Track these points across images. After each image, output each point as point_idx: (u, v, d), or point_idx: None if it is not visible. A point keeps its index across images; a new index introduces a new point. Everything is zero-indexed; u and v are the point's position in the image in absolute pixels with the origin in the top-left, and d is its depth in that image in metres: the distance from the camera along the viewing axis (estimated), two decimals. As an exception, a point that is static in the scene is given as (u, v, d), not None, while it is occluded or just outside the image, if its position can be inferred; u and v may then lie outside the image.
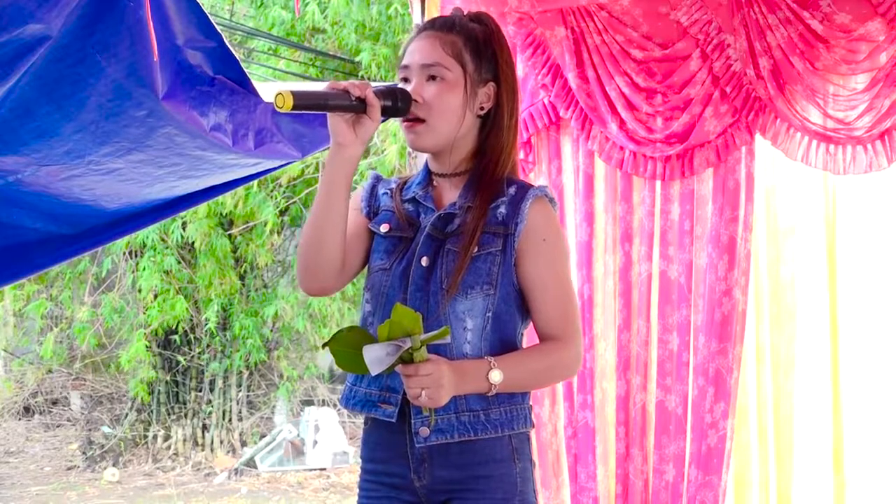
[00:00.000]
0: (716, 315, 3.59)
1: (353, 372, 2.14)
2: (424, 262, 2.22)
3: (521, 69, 3.82)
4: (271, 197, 8.60)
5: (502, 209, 2.22)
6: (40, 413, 10.53)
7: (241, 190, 8.10)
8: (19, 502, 8.28)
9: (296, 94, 2.10)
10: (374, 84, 2.25)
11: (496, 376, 2.15)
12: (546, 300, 2.22)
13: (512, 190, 2.24)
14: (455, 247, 2.21)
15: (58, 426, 10.36)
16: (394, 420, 2.20)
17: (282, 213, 8.92)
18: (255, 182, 8.04)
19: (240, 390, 9.47)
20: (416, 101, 2.23)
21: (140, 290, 8.80)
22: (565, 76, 3.76)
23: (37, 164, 2.94)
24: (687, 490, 3.62)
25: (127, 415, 9.71)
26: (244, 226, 8.80)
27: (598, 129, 3.73)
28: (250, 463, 8.97)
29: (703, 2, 3.59)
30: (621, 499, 3.74)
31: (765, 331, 3.68)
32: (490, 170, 2.25)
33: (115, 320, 9.07)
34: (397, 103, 2.22)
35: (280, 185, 8.73)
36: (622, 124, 3.69)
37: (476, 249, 2.19)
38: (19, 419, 10.55)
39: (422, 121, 2.23)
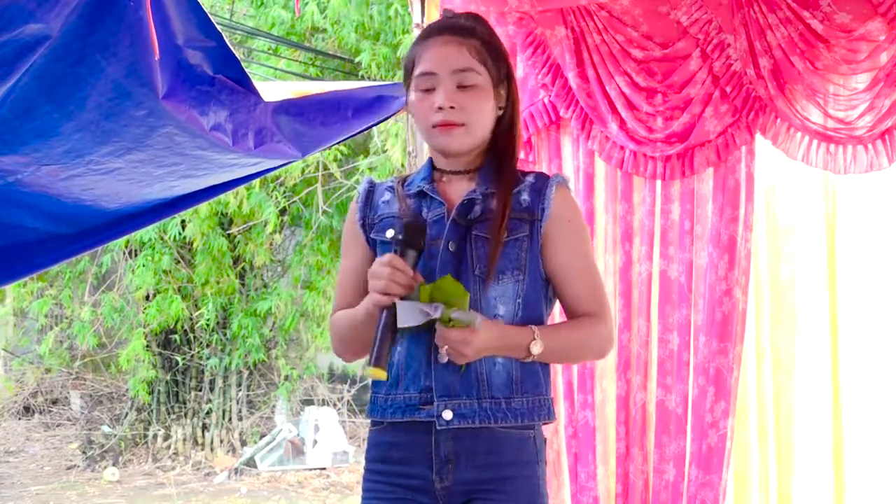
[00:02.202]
0: (716, 314, 3.58)
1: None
2: (451, 247, 2.24)
3: (521, 69, 3.83)
4: (271, 196, 8.60)
5: (525, 196, 2.27)
6: (40, 413, 10.53)
7: (242, 189, 8.10)
8: (19, 502, 8.28)
9: (376, 358, 2.14)
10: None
11: (537, 346, 2.20)
12: (576, 280, 2.28)
13: (531, 178, 2.30)
14: (483, 233, 2.23)
15: (58, 426, 10.36)
16: (434, 417, 2.20)
17: (282, 212, 8.92)
18: (257, 181, 8.05)
19: (240, 390, 9.48)
20: (452, 107, 2.24)
21: (137, 289, 8.80)
22: (565, 76, 3.75)
23: (37, 163, 2.94)
24: (687, 489, 3.62)
25: (127, 414, 9.71)
26: (244, 225, 8.80)
27: (599, 129, 3.73)
28: (250, 462, 8.97)
29: (703, 1, 3.59)
30: (621, 498, 3.74)
31: (765, 330, 3.68)
32: (506, 161, 2.31)
33: (115, 319, 9.07)
34: (420, 243, 2.21)
35: (280, 185, 8.73)
36: (622, 124, 3.69)
37: (505, 235, 2.23)
38: (19, 419, 10.56)
39: (460, 125, 2.25)
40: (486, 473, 2.20)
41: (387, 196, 2.36)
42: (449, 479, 2.20)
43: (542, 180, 2.30)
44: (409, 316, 2.12)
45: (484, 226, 2.23)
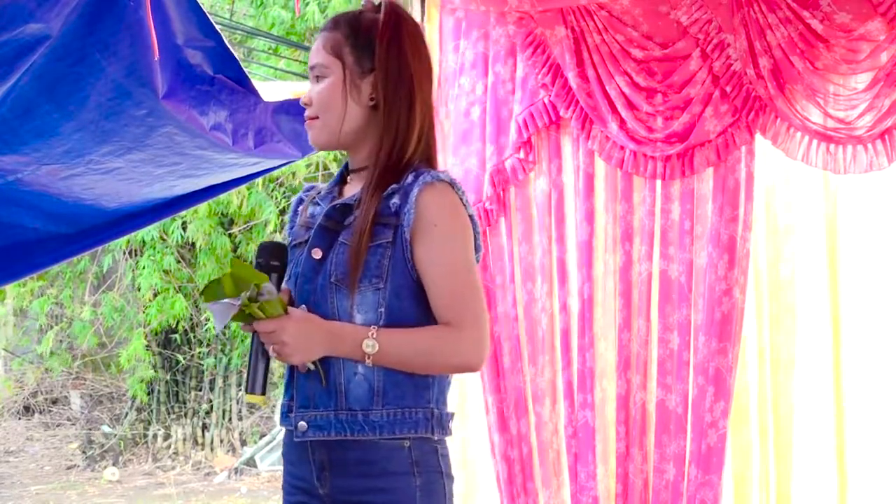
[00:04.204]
0: (716, 314, 3.58)
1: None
2: (316, 254, 2.18)
3: (521, 69, 3.82)
4: (272, 196, 8.61)
5: (395, 199, 2.15)
6: (40, 412, 10.53)
7: (243, 189, 8.11)
8: (19, 501, 8.29)
9: (251, 385, 2.15)
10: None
11: (370, 346, 2.09)
12: (438, 286, 2.13)
13: (409, 178, 2.16)
14: (346, 239, 2.16)
15: (58, 425, 10.36)
16: (293, 428, 2.19)
17: (282, 212, 8.93)
18: (257, 181, 8.05)
19: (240, 389, 9.48)
20: (305, 103, 2.24)
21: (139, 289, 8.82)
22: (565, 75, 3.75)
23: (37, 163, 2.94)
24: (687, 489, 3.62)
25: (127, 414, 9.71)
26: (245, 225, 8.81)
27: (599, 129, 3.73)
28: (250, 462, 8.98)
29: (703, 1, 3.58)
30: (621, 498, 3.74)
31: (765, 330, 3.68)
32: (385, 161, 2.19)
33: (116, 319, 9.08)
34: (273, 263, 2.19)
35: (281, 185, 8.74)
36: (622, 124, 3.68)
37: (368, 242, 2.14)
38: (19, 418, 10.56)
39: (315, 118, 2.24)
40: (358, 483, 2.15)
41: (305, 202, 2.34)
42: (327, 485, 2.17)
43: (415, 179, 2.15)
44: (220, 316, 2.07)
45: (348, 232, 2.16)
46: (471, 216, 2.20)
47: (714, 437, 3.57)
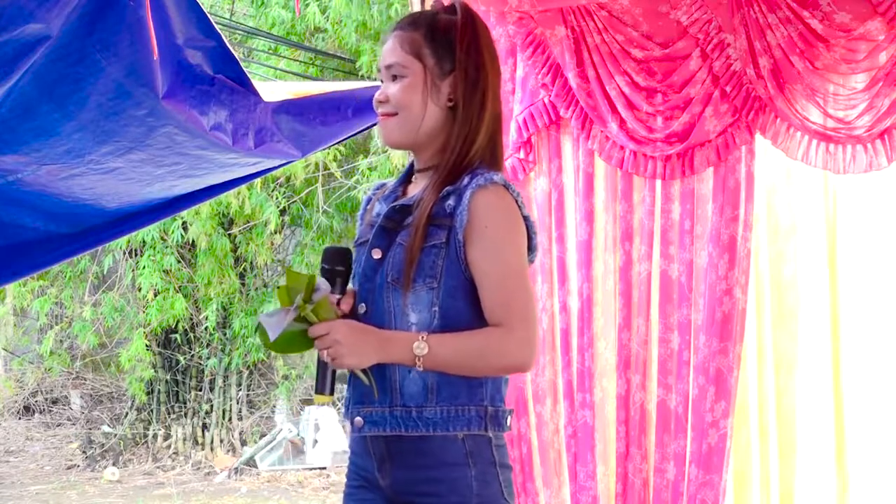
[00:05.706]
0: (716, 314, 3.58)
1: (270, 348, 2.19)
2: (376, 254, 2.22)
3: (521, 69, 3.83)
4: (272, 196, 8.61)
5: (450, 201, 2.19)
6: (40, 412, 10.53)
7: (243, 189, 8.11)
8: (19, 501, 8.29)
9: (319, 387, 2.23)
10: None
11: (420, 348, 2.13)
12: (488, 287, 2.16)
13: (465, 180, 2.20)
14: (402, 240, 2.20)
15: (58, 425, 10.37)
16: (351, 423, 2.26)
17: (282, 212, 8.93)
18: (258, 181, 8.05)
19: (240, 389, 9.48)
20: (381, 101, 2.26)
21: (140, 289, 8.82)
22: (565, 75, 3.75)
23: (37, 163, 2.94)
24: (688, 489, 3.62)
25: (127, 414, 9.72)
26: (245, 225, 8.81)
27: (599, 129, 3.73)
28: (250, 462, 8.98)
29: (703, 1, 3.59)
30: (621, 498, 3.74)
31: (766, 330, 3.68)
32: (453, 161, 2.23)
33: (116, 319, 9.08)
34: (337, 267, 2.23)
35: (281, 185, 8.74)
36: (622, 123, 3.69)
37: (422, 243, 2.18)
38: (19, 418, 10.56)
39: (392, 114, 2.26)
40: (417, 474, 2.20)
41: (373, 201, 2.39)
42: (388, 477, 2.22)
43: (469, 182, 2.19)
44: (273, 327, 2.11)
45: (406, 233, 2.20)
46: (525, 217, 2.23)
47: (715, 437, 3.57)
